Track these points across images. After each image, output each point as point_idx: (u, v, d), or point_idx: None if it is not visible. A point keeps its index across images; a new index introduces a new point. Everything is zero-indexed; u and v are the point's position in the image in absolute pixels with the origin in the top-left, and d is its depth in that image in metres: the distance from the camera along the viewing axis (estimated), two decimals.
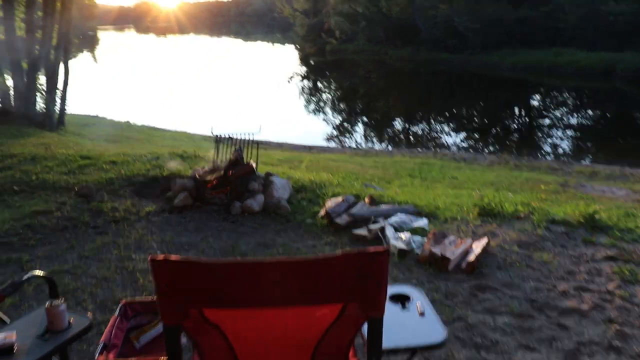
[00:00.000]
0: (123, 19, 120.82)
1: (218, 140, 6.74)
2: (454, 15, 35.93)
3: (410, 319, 2.37)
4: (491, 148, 15.58)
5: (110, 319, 2.45)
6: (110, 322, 2.45)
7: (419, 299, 2.51)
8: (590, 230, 5.48)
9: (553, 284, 4.24)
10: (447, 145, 15.81)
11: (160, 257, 1.59)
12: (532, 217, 5.75)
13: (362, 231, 5.01)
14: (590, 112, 22.09)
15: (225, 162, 6.34)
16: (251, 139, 6.92)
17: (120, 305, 2.54)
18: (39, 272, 2.55)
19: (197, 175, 6.14)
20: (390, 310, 2.41)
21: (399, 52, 38.56)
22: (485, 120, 20.79)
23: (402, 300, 2.50)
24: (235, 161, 6.17)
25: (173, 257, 1.64)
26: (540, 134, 17.69)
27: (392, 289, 2.58)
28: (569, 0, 33.69)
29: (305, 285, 1.65)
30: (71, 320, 2.38)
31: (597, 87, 26.57)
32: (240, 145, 6.67)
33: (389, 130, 19.06)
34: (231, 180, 5.96)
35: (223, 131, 7.00)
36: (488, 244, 4.81)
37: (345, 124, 20.06)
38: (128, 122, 16.54)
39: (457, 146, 15.63)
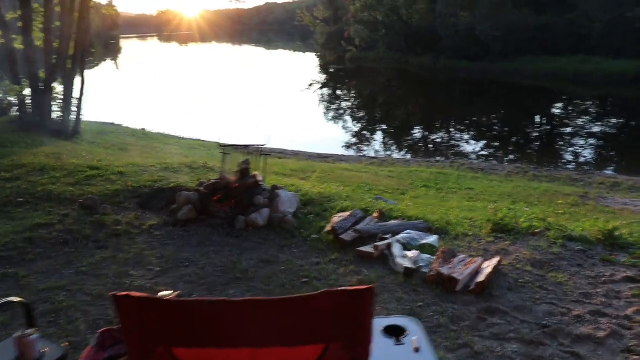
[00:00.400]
0: (146, 28, 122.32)
1: (225, 152, 6.62)
2: (475, 23, 35.59)
3: (404, 356, 2.18)
4: (511, 157, 15.26)
5: (85, 349, 2.31)
6: (84, 353, 2.30)
7: (415, 333, 2.32)
8: (609, 248, 5.23)
9: (567, 308, 4.01)
10: (466, 154, 15.52)
11: (123, 293, 1.55)
12: (547, 234, 5.52)
13: (367, 248, 4.82)
14: (614, 120, 21.57)
15: (232, 174, 6.21)
16: (260, 149, 6.79)
17: (97, 334, 2.40)
18: (14, 298, 2.43)
19: (202, 188, 6.01)
20: (383, 345, 2.23)
21: (419, 59, 38.36)
22: (506, 128, 20.44)
23: (396, 333, 2.31)
24: (241, 173, 6.04)
25: (136, 294, 1.59)
26: (561, 143, 17.30)
27: (386, 321, 2.40)
28: (594, 7, 33.14)
29: (284, 325, 1.60)
30: (44, 351, 2.25)
31: (623, 94, 26.04)
32: (248, 157, 6.53)
33: (407, 138, 18.83)
34: (236, 194, 5.83)
35: (236, 140, 6.89)
36: (500, 263, 4.59)
37: (364, 133, 19.87)
38: (144, 129, 16.55)
39: (476, 155, 15.33)
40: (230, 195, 5.84)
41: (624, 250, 5.18)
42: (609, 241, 5.34)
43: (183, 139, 15.49)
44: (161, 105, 22.70)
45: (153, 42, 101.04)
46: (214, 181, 6.11)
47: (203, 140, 14.98)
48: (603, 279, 4.54)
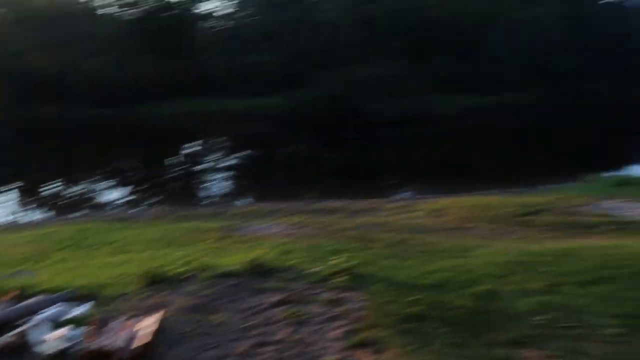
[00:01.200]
0: None
1: None
2: (102, 69, 35.12)
3: None
4: (155, 200, 15.35)
5: None
6: None
7: None
8: (258, 277, 5.54)
9: (232, 348, 4.06)
10: (108, 204, 15.03)
11: None
12: (201, 275, 5.58)
13: (5, 339, 4.06)
14: (246, 153, 23.81)
15: None
16: None
17: None
18: None
19: None
20: None
21: (46, 109, 35.68)
22: (147, 172, 20.56)
23: None
24: None
25: None
26: (201, 180, 18.25)
27: None
28: (217, 52, 36.80)
29: None
30: None
31: (253, 129, 29.04)
32: None
33: (40, 197, 17.21)
34: None
35: None
36: (160, 317, 4.41)
37: None
38: None
39: (119, 203, 14.97)
40: None
41: (270, 276, 5.55)
42: (255, 270, 5.66)
43: None
44: None
45: None
46: None
47: None
48: (258, 308, 4.77)
